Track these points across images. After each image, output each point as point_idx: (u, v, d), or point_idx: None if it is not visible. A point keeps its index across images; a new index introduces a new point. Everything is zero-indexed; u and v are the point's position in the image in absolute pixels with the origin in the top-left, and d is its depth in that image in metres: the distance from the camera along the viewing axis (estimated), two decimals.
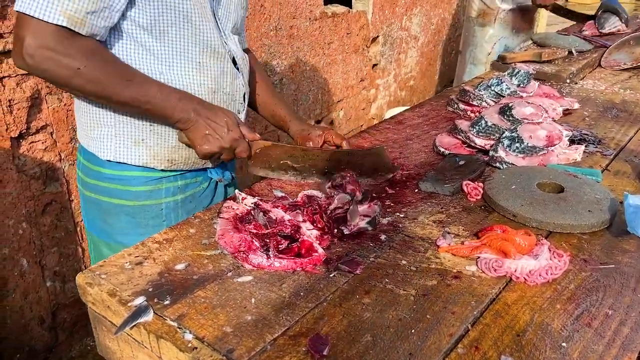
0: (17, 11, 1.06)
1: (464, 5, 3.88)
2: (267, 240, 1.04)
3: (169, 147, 1.30)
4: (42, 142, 1.93)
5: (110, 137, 1.28)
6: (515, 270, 1.00)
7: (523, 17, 3.36)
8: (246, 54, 1.51)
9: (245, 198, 1.21)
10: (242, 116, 1.42)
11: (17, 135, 1.84)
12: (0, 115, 1.77)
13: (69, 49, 1.08)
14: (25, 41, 1.06)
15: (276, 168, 1.36)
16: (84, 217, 1.46)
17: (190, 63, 1.25)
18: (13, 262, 1.93)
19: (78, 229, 2.14)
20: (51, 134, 1.95)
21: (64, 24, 1.06)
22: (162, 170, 1.33)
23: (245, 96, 1.43)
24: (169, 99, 1.19)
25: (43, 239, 2.02)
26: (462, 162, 1.45)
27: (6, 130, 1.80)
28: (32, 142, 1.90)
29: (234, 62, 1.36)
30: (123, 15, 1.16)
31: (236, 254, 1.03)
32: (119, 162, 1.30)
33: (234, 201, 1.22)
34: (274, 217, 1.10)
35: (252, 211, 1.13)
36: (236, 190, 1.25)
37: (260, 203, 1.17)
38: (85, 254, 2.20)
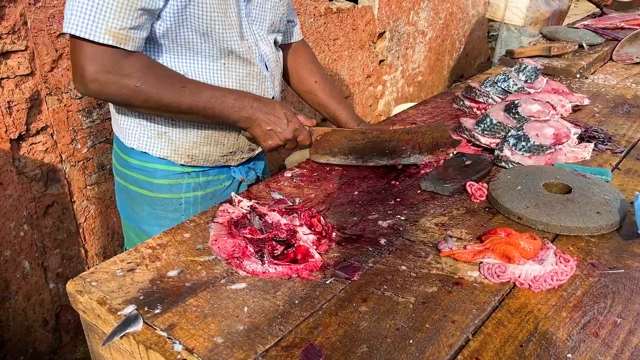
0: (66, 33, 1.08)
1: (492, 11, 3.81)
2: (262, 246, 1.01)
3: (190, 142, 1.31)
4: (43, 144, 1.91)
5: (135, 126, 1.30)
6: (519, 276, 0.96)
7: (558, 19, 3.38)
8: (301, 48, 1.56)
9: (242, 201, 1.18)
10: None
11: (16, 137, 1.82)
12: None
13: (125, 68, 1.10)
14: (85, 68, 1.08)
15: (337, 153, 1.39)
16: (117, 199, 1.50)
17: (215, 64, 1.25)
18: (15, 265, 1.92)
19: (80, 230, 2.12)
20: (51, 135, 1.93)
21: (110, 43, 1.07)
22: (182, 165, 1.34)
23: (275, 99, 1.39)
24: (225, 101, 1.20)
25: (45, 240, 2.01)
26: (468, 162, 1.41)
27: (6, 132, 1.78)
28: (32, 143, 1.89)
29: (266, 64, 1.34)
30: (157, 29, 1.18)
31: (230, 260, 1.00)
32: (143, 152, 1.32)
33: (230, 204, 1.19)
34: (270, 221, 1.07)
35: (248, 214, 1.10)
36: (232, 193, 1.22)
37: (257, 206, 1.14)
38: (88, 256, 2.19)
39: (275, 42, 1.40)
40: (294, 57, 1.57)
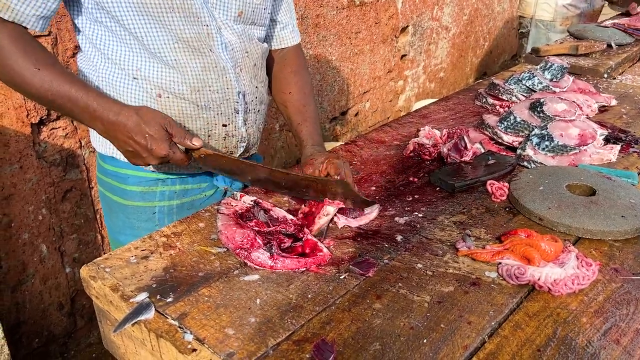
0: None
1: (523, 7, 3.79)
2: (270, 238, 0.99)
3: None
4: (63, 129, 1.92)
5: None
6: (539, 279, 0.94)
7: (590, 19, 3.34)
8: (290, 57, 1.42)
9: (244, 195, 1.16)
10: (239, 118, 1.25)
11: (37, 121, 1.83)
12: (20, 101, 1.77)
13: None
14: None
15: (228, 172, 1.23)
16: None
17: (166, 60, 1.15)
18: (32, 248, 1.94)
19: (97, 216, 2.14)
20: (72, 120, 1.94)
21: None
22: (154, 171, 1.26)
23: (246, 95, 1.25)
24: (77, 102, 1.06)
25: (62, 225, 2.02)
26: (492, 162, 1.37)
27: (27, 116, 1.80)
28: (53, 128, 1.90)
29: (230, 55, 1.20)
30: (96, 8, 1.10)
31: (238, 251, 0.99)
32: (112, 157, 1.25)
33: (233, 199, 1.17)
34: (275, 216, 1.05)
35: (252, 209, 1.09)
36: (234, 191, 1.19)
37: (261, 201, 1.12)
38: (105, 242, 2.20)
39: (250, 35, 1.24)
40: (280, 66, 1.43)
